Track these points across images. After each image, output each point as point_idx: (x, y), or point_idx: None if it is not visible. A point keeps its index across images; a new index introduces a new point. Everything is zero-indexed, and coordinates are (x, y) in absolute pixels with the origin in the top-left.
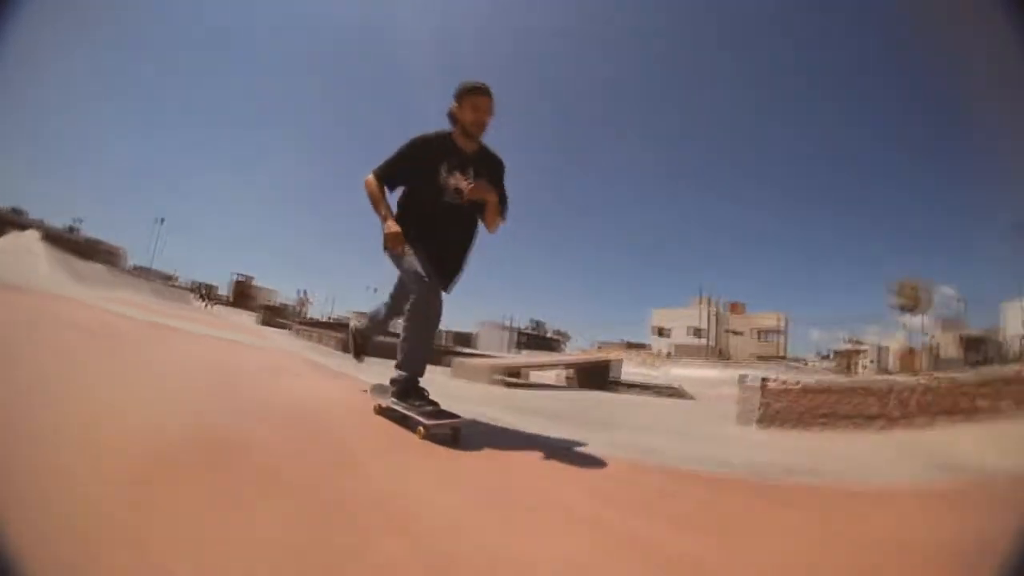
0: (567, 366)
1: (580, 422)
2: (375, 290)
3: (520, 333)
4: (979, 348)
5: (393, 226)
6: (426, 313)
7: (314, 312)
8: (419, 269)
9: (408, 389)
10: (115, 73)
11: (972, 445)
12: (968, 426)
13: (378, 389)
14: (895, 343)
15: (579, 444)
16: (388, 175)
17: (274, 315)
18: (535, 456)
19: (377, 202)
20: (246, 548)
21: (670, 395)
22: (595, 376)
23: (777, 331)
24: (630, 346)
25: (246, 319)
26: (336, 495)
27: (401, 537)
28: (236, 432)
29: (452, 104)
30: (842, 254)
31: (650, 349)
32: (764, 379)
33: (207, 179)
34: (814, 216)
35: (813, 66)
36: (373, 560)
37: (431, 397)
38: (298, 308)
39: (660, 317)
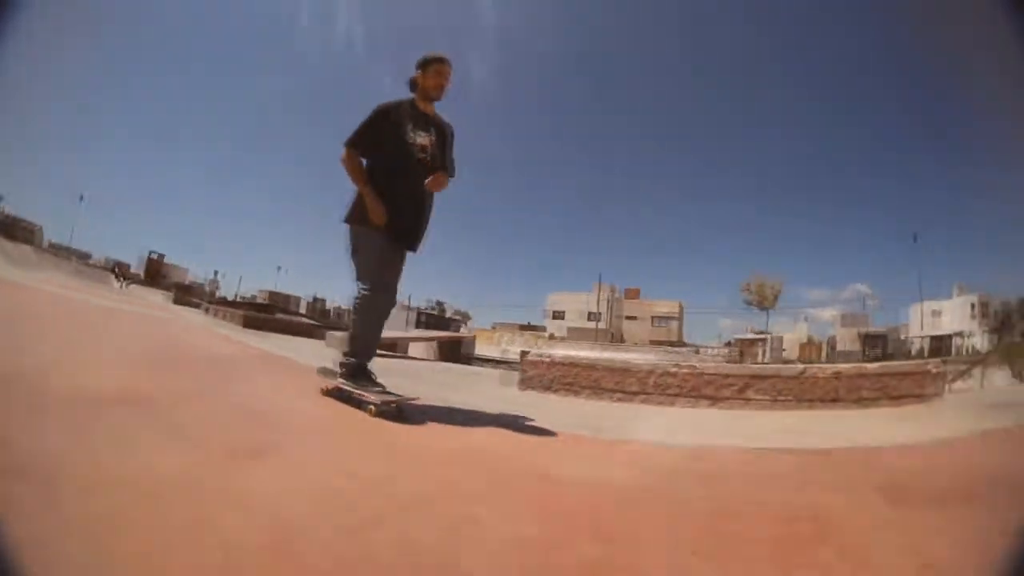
0: (432, 340)
1: (417, 382)
2: (279, 269)
3: (420, 313)
4: (877, 343)
5: (379, 203)
6: (376, 306)
7: (222, 291)
8: (375, 265)
9: (357, 372)
10: (28, 44)
11: (667, 423)
12: (705, 410)
13: (325, 372)
14: (796, 335)
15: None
16: (361, 143)
17: (186, 294)
18: (459, 425)
19: (359, 177)
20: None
21: (510, 368)
22: (454, 350)
23: (673, 317)
24: (524, 328)
25: (161, 299)
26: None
27: (358, 480)
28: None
29: (416, 73)
30: (759, 247)
31: (543, 331)
32: (523, 352)
33: (119, 153)
34: (736, 208)
35: (745, 56)
36: (337, 502)
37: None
38: (209, 288)
39: (556, 301)
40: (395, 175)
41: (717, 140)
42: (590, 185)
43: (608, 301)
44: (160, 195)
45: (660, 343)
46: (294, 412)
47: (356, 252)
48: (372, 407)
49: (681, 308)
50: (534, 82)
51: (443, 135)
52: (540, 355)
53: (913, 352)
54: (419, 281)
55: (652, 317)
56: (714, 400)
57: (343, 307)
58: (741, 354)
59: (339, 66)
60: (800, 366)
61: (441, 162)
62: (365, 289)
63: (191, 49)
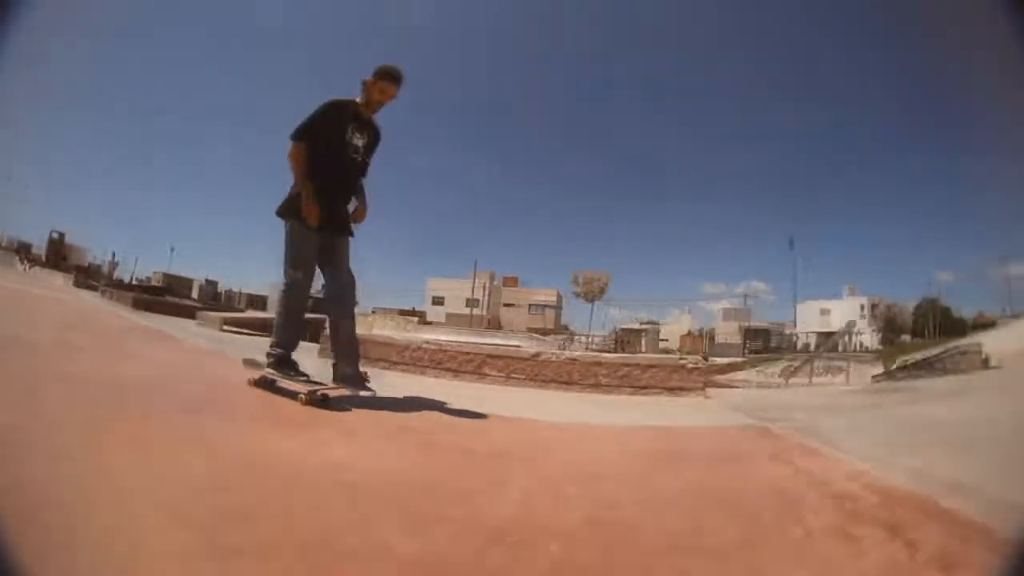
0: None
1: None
2: (172, 250)
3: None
4: (759, 337)
5: (315, 203)
6: (299, 299)
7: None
8: (301, 262)
9: (283, 361)
10: None
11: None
12: (446, 380)
13: (251, 364)
14: (679, 326)
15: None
16: (308, 135)
17: (86, 276)
18: (368, 408)
19: (302, 174)
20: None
21: None
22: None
23: (550, 306)
24: (402, 313)
25: (62, 281)
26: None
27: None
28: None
29: (369, 77)
30: (661, 241)
31: (421, 316)
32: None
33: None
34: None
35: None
36: (276, 474)
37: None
38: (107, 269)
39: (436, 287)
40: (335, 172)
41: (616, 137)
42: (489, 172)
43: (485, 288)
44: (63, 172)
45: (536, 330)
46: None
47: (287, 246)
48: (302, 396)
49: (559, 296)
50: (441, 72)
51: (374, 140)
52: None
53: (799, 347)
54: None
55: (529, 305)
56: (456, 373)
57: (235, 291)
58: (619, 343)
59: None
60: (535, 350)
61: (366, 164)
62: (287, 283)
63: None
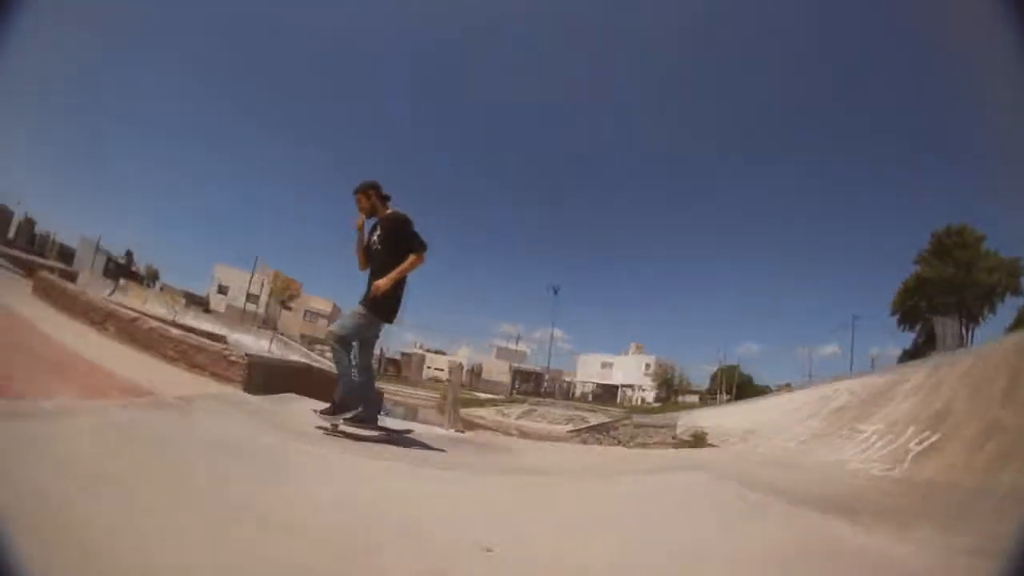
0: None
1: None
2: None
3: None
4: (529, 379)
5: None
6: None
7: None
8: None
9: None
10: None
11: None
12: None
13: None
14: (455, 357)
15: None
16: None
17: None
18: None
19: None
20: None
21: None
22: None
23: (324, 315)
24: (188, 296)
25: None
26: None
27: None
28: None
29: None
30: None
31: (207, 303)
32: None
33: None
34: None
35: None
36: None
37: None
38: None
39: (224, 275)
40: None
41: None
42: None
43: (264, 285)
44: None
45: (305, 336)
46: None
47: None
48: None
49: (335, 307)
50: None
51: (387, 230)
52: None
53: (577, 394)
54: None
55: (305, 311)
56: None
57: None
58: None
59: None
60: None
61: (378, 247)
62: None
63: None
